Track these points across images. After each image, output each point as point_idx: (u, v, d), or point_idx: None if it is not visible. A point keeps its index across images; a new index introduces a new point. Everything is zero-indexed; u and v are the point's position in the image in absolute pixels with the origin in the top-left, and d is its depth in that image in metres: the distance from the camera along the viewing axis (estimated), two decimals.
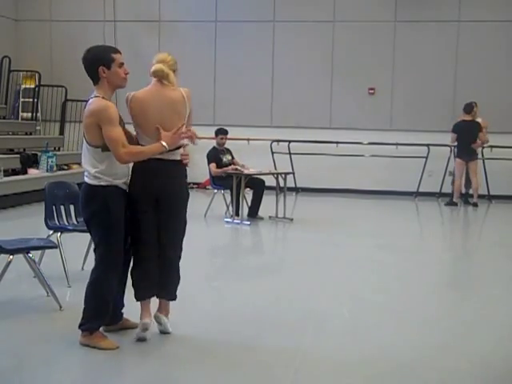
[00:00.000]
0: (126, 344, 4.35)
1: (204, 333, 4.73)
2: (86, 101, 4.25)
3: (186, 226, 4.56)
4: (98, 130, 4.07)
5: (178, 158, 4.44)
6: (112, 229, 4.18)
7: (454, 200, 12.73)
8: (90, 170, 4.13)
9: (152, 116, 4.33)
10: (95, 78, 4.18)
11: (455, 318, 5.29)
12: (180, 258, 4.58)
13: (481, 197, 13.50)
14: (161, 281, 4.49)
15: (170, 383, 3.96)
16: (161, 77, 4.44)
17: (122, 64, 4.23)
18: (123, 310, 4.63)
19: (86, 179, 4.19)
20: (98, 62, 4.13)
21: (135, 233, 4.40)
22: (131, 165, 4.33)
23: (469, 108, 12.54)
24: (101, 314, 4.29)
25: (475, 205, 12.56)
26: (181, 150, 4.45)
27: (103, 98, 4.14)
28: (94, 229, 4.27)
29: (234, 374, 4.00)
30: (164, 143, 4.21)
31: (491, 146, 13.36)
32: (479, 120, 12.68)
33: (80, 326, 4.29)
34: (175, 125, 4.34)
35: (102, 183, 4.12)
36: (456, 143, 12.69)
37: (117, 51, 4.25)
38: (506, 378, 4.16)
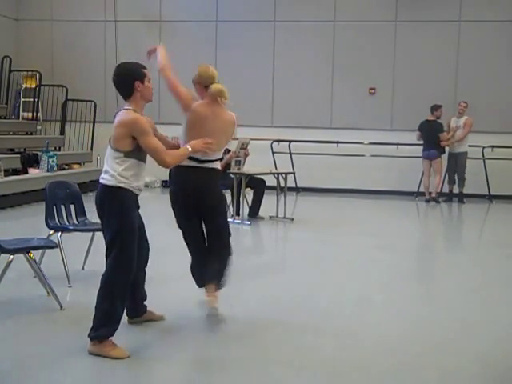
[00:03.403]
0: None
1: (204, 333, 4.73)
2: (116, 113, 4.35)
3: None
4: (127, 140, 4.25)
5: (217, 166, 4.92)
6: (127, 230, 4.22)
7: (426, 197, 13.19)
8: (112, 172, 4.26)
9: (205, 132, 4.68)
10: (128, 93, 4.32)
11: (455, 318, 5.28)
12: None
13: (481, 197, 13.54)
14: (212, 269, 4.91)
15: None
16: (221, 96, 4.88)
17: (150, 79, 4.40)
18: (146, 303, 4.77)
19: (104, 181, 4.28)
20: (133, 76, 4.31)
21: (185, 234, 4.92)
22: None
23: (432, 109, 12.98)
24: (111, 320, 4.19)
25: (436, 201, 13.06)
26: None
27: (134, 110, 4.28)
28: (108, 229, 4.26)
29: (235, 375, 4.01)
30: (188, 147, 4.50)
31: (492, 146, 13.38)
32: (465, 118, 13.01)
33: (89, 335, 4.19)
34: (222, 144, 4.86)
35: (121, 185, 4.23)
36: (422, 141, 13.18)
37: (145, 67, 4.41)
38: (506, 377, 4.16)
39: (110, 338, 4.18)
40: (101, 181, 4.32)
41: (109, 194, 4.25)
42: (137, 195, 4.36)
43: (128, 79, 4.30)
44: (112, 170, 4.26)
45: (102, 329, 4.16)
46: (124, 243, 4.20)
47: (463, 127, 13.02)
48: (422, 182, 13.48)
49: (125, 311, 4.41)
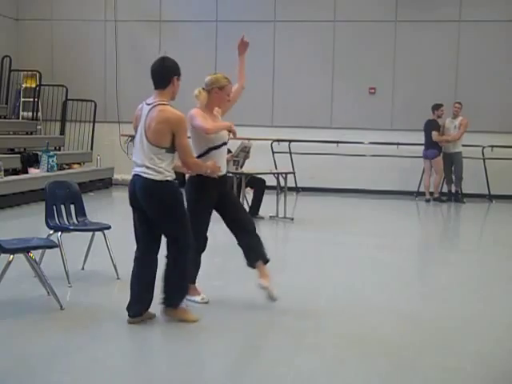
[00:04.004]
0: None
1: (205, 333, 4.74)
2: (147, 106, 4.62)
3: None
4: (168, 135, 4.51)
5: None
6: (185, 214, 4.70)
7: (426, 197, 13.22)
8: (156, 168, 4.51)
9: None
10: (164, 84, 4.61)
11: (455, 318, 5.28)
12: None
13: (481, 196, 13.54)
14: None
15: None
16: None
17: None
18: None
19: (151, 176, 4.53)
20: (175, 71, 4.65)
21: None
22: None
23: (433, 108, 13.09)
24: (186, 292, 4.86)
25: (439, 200, 13.09)
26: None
27: (170, 105, 4.58)
28: (169, 218, 4.62)
29: (234, 375, 4.01)
30: (208, 169, 4.98)
31: (491, 146, 13.39)
32: (460, 118, 13.08)
33: (165, 303, 4.75)
34: None
35: (168, 178, 4.56)
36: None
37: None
38: (507, 377, 4.16)
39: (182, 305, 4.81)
40: (144, 175, 4.55)
41: (159, 187, 4.54)
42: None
43: (169, 72, 4.61)
44: (156, 166, 4.52)
45: (179, 299, 4.77)
46: (188, 226, 4.68)
47: (459, 128, 13.07)
48: (422, 181, 13.50)
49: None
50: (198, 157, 5.08)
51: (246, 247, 5.34)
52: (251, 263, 5.35)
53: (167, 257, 4.75)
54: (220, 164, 5.14)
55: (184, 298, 4.88)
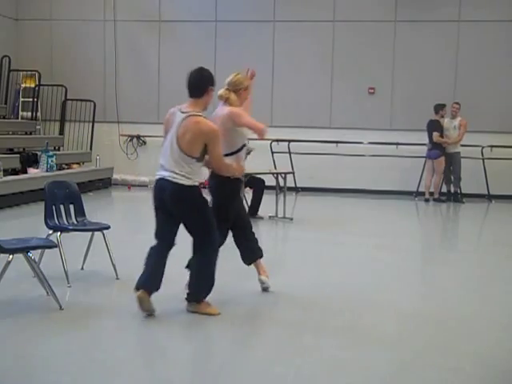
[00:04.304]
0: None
1: (203, 333, 4.73)
2: (180, 114, 4.81)
3: None
4: (200, 146, 4.76)
5: None
6: (211, 216, 4.95)
7: (425, 197, 13.26)
8: (188, 175, 4.76)
9: None
10: (200, 94, 4.83)
11: (455, 318, 5.28)
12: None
13: (481, 196, 13.54)
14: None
15: None
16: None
17: None
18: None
19: (176, 180, 4.76)
20: (211, 82, 4.89)
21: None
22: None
23: (437, 108, 13.11)
24: (211, 287, 5.01)
25: (439, 200, 13.15)
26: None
27: (204, 116, 4.82)
28: (199, 218, 4.90)
29: (234, 375, 4.00)
30: (236, 171, 5.31)
31: (491, 146, 13.39)
32: (459, 119, 13.10)
33: (189, 298, 4.99)
34: None
35: (196, 183, 4.83)
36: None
37: None
38: (506, 377, 4.16)
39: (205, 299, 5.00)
40: (174, 180, 4.77)
41: (189, 192, 4.81)
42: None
43: (205, 82, 4.84)
44: (185, 173, 4.76)
45: (204, 294, 4.99)
46: (214, 226, 4.95)
47: (458, 128, 13.07)
48: (423, 180, 13.50)
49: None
50: (230, 154, 5.32)
51: (245, 247, 5.69)
52: (249, 262, 5.75)
53: (195, 254, 5.02)
54: (243, 163, 5.51)
55: (209, 292, 5.05)
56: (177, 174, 4.76)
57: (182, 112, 4.80)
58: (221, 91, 5.45)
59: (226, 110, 5.38)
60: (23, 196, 11.04)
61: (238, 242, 5.70)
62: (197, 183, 4.85)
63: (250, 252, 5.71)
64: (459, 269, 7.26)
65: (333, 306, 5.51)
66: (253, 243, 5.74)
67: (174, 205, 4.84)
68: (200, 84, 4.83)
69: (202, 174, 4.98)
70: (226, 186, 5.42)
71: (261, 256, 5.76)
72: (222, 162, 5.02)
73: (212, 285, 5.06)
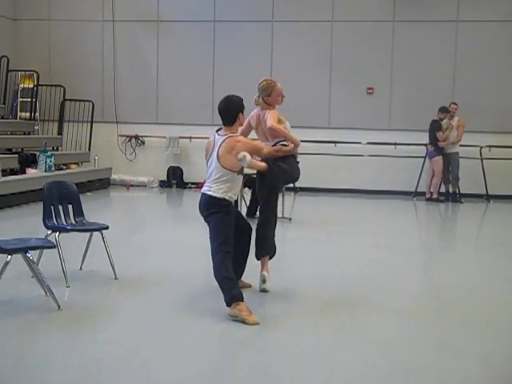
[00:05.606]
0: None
1: (205, 331, 4.73)
2: (221, 136, 5.22)
3: None
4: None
5: None
6: (230, 227, 5.19)
7: (426, 196, 13.34)
8: (222, 188, 5.15)
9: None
10: (232, 120, 5.24)
11: (455, 318, 5.28)
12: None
13: (479, 196, 13.56)
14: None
15: None
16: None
17: None
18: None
19: (212, 193, 5.15)
20: (240, 108, 5.27)
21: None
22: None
23: (442, 110, 13.14)
24: (232, 285, 5.05)
25: (438, 200, 13.18)
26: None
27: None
28: (217, 227, 5.16)
29: (231, 375, 4.00)
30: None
31: (489, 146, 13.41)
32: (457, 119, 13.15)
33: (226, 300, 5.00)
34: None
35: (226, 197, 5.18)
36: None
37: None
38: (507, 377, 4.16)
39: (247, 306, 4.92)
40: (209, 193, 5.19)
41: (221, 203, 5.16)
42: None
43: (235, 111, 5.23)
44: (226, 188, 5.18)
45: (230, 290, 5.01)
46: (227, 236, 5.16)
47: (456, 128, 13.10)
48: (424, 180, 13.54)
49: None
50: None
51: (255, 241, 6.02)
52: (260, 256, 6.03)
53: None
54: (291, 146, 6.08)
55: (234, 289, 5.10)
56: (219, 188, 5.16)
57: (220, 135, 5.23)
58: (254, 97, 6.11)
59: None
60: (22, 196, 11.03)
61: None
62: (227, 197, 5.18)
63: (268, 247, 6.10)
64: (458, 269, 7.26)
65: (332, 306, 5.50)
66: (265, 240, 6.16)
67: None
68: (228, 113, 5.23)
69: (237, 193, 5.35)
70: (286, 160, 5.90)
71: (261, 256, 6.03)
72: (263, 152, 5.58)
73: (233, 283, 5.17)
